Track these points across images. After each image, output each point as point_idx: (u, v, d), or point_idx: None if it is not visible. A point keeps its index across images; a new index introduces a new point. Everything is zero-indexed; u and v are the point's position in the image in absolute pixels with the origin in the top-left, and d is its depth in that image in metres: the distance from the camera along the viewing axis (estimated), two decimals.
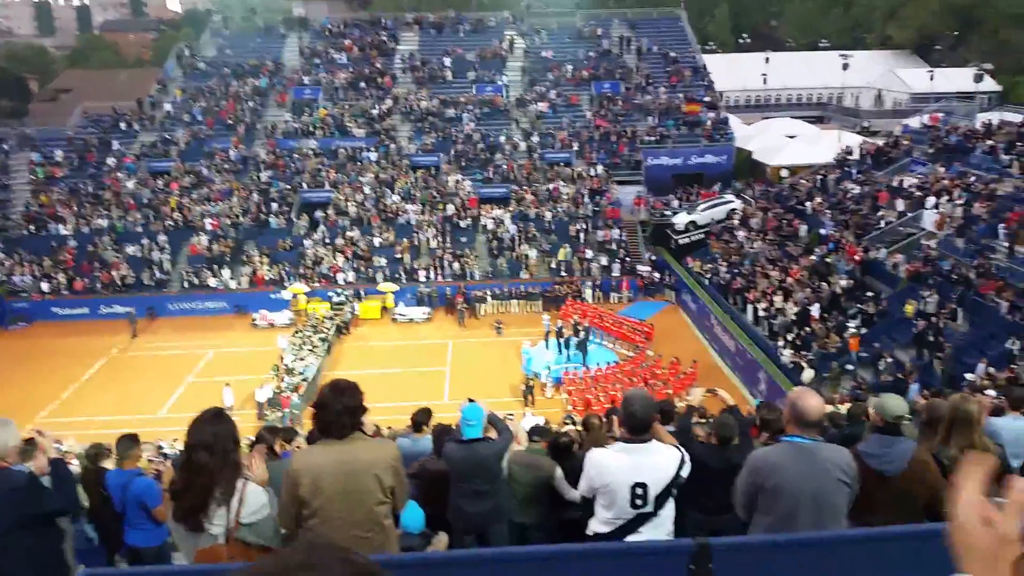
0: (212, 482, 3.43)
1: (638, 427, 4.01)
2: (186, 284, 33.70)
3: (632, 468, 3.96)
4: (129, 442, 6.15)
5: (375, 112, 41.91)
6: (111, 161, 39.11)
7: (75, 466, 7.88)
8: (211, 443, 3.45)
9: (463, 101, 42.71)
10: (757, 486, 3.83)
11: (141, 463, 6.92)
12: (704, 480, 5.84)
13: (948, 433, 4.73)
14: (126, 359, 29.44)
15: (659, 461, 4.00)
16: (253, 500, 3.57)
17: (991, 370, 17.84)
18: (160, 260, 34.31)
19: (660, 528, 4.04)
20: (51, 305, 33.05)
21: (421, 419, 7.51)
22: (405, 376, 25.89)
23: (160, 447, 13.38)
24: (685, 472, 4.07)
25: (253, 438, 6.93)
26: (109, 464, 6.94)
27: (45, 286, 33.38)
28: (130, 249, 34.59)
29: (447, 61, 45.84)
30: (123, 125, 41.86)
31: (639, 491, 3.93)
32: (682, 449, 4.13)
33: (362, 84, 44.05)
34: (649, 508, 3.98)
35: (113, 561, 6.14)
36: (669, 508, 4.09)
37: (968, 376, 18.08)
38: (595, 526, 4.15)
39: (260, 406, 23.93)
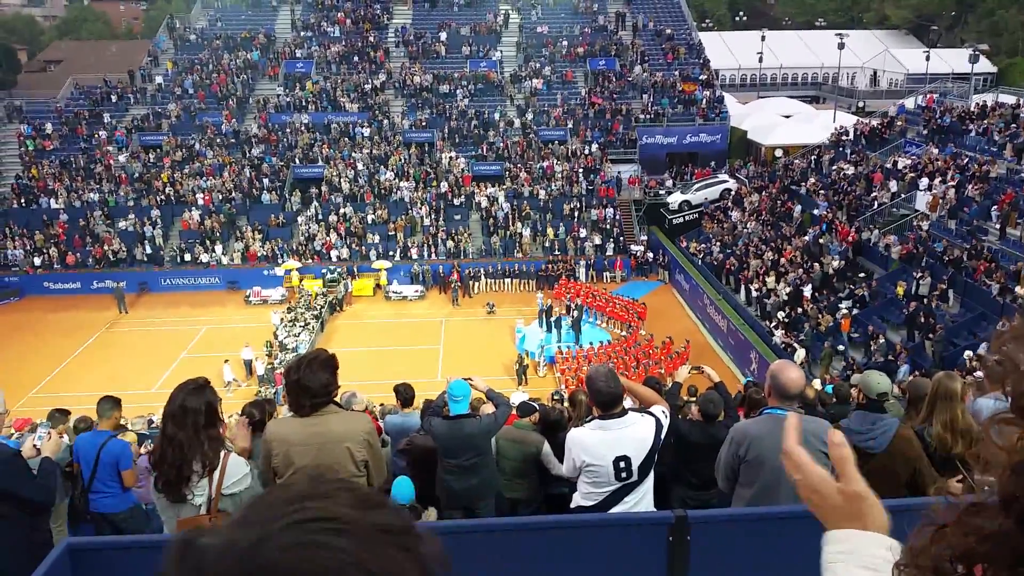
0: (183, 454, 3.40)
1: (607, 403, 4.00)
2: (178, 259, 33.59)
3: (612, 443, 3.96)
4: (110, 402, 6.11)
5: (368, 87, 41.54)
6: (102, 134, 38.75)
7: (65, 439, 7.86)
8: (179, 415, 3.42)
9: (457, 76, 42.34)
10: (738, 458, 3.85)
11: (129, 437, 6.88)
12: (690, 456, 5.89)
13: (931, 410, 4.73)
14: (118, 334, 29.36)
15: (637, 432, 3.99)
16: (234, 471, 3.56)
17: (981, 351, 17.95)
18: (152, 235, 34.13)
19: (641, 495, 4.06)
20: (43, 279, 32.93)
21: (408, 394, 7.52)
22: (398, 354, 25.90)
23: (151, 421, 13.39)
24: (663, 434, 4.06)
25: (240, 412, 6.94)
26: None
27: (37, 260, 33.22)
28: (122, 224, 34.41)
29: (442, 35, 45.37)
30: (114, 98, 41.43)
31: (622, 464, 3.94)
32: (655, 412, 4.11)
33: (355, 58, 43.61)
34: (634, 478, 4.00)
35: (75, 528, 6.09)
36: (651, 475, 4.10)
37: (965, 356, 18.24)
38: (579, 500, 4.16)
39: (247, 364, 25.02)
